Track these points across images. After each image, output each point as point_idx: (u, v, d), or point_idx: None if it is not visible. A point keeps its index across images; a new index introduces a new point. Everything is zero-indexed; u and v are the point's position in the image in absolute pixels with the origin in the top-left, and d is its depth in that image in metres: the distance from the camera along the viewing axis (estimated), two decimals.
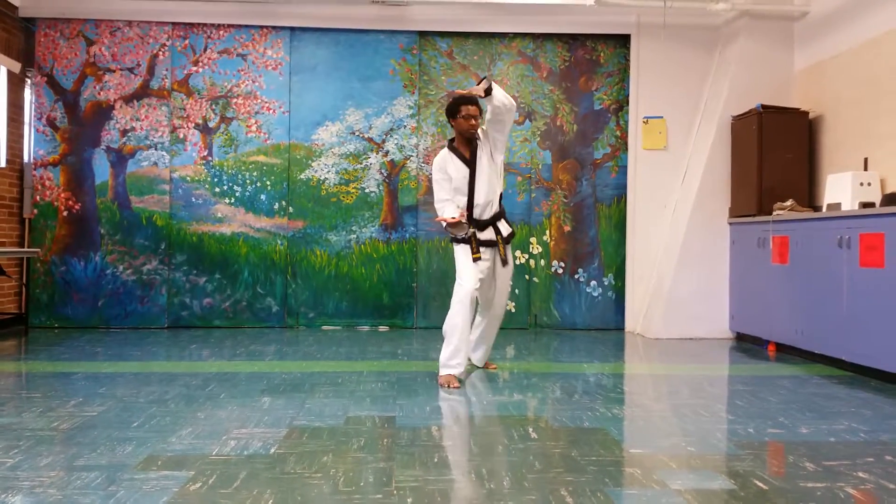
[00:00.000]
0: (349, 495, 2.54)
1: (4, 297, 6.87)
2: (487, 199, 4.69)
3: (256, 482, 2.65)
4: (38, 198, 7.08)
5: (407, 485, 2.65)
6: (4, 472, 2.71)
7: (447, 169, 4.69)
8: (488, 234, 4.72)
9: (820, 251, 5.32)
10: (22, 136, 7.10)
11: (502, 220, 4.82)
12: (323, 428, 3.43)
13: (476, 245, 4.62)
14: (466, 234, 4.61)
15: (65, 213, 7.10)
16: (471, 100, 4.65)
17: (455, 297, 4.56)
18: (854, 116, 5.95)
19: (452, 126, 4.76)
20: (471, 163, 4.67)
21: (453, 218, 4.59)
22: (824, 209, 5.67)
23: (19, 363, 5.22)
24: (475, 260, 4.60)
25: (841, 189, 5.52)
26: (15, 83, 6.97)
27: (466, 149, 4.72)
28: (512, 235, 4.86)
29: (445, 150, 4.76)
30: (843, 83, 6.10)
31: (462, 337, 4.51)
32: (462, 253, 4.64)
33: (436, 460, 2.95)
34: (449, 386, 4.43)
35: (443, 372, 4.54)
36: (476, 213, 4.67)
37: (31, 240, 7.08)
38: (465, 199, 4.67)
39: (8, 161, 6.85)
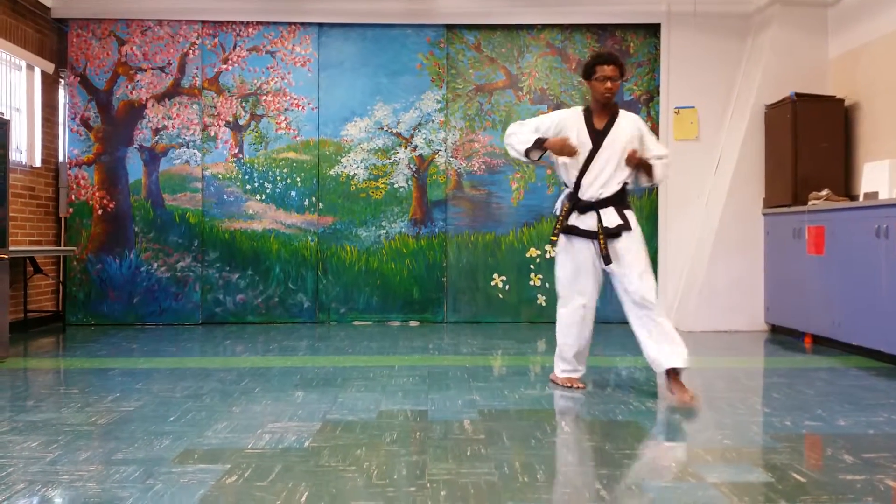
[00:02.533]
0: (383, 488, 2.55)
1: (42, 295, 6.99)
2: (600, 188, 3.99)
3: (291, 475, 2.67)
4: (73, 197, 7.18)
5: (440, 478, 2.65)
6: (44, 467, 2.76)
7: (564, 131, 4.01)
8: (588, 220, 4.01)
9: (857, 241, 5.22)
10: (56, 136, 7.20)
11: (610, 208, 3.99)
12: (356, 422, 3.45)
13: (560, 229, 4.04)
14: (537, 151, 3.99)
15: (100, 212, 7.20)
16: (608, 58, 3.97)
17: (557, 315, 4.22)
18: (890, 103, 5.83)
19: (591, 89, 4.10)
20: (600, 137, 3.98)
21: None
22: (861, 198, 5.57)
23: (57, 360, 5.31)
24: (552, 243, 4.14)
25: (878, 177, 5.41)
26: (49, 84, 7.07)
27: (602, 119, 4.02)
28: (623, 227, 3.97)
29: (579, 110, 4.09)
30: (879, 70, 5.98)
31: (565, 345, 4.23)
32: (561, 257, 4.15)
33: (468, 454, 2.94)
34: (572, 386, 4.24)
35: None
36: (580, 193, 4.02)
37: (67, 238, 7.19)
38: (575, 173, 4.02)
39: (43, 161, 6.96)
